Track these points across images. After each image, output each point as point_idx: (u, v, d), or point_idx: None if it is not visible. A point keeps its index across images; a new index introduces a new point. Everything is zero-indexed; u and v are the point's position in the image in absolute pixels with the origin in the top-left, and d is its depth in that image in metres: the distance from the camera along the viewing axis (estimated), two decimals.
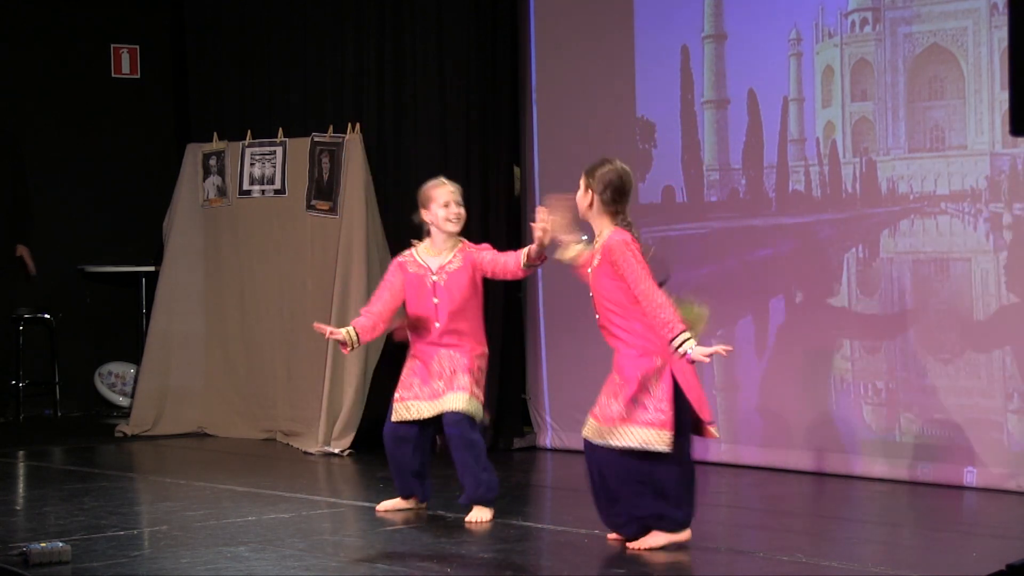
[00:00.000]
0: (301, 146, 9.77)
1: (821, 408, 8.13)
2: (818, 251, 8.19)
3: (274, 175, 9.91)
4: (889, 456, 7.85)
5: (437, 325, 6.84)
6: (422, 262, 6.90)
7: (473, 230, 9.20)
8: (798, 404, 8.24)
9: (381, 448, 9.01)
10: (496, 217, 9.34)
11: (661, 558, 6.00)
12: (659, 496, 6.05)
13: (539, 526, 6.75)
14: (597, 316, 6.20)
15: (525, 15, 9.45)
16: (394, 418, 6.94)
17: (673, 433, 5.98)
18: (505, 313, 9.25)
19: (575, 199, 6.23)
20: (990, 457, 7.50)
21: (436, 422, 6.89)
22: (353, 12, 10.00)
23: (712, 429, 6.15)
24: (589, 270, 6.19)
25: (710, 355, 5.89)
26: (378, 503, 7.23)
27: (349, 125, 9.61)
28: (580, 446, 8.96)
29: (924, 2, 7.76)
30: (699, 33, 8.64)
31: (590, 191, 6.18)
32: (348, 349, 6.91)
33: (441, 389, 6.82)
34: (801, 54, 8.21)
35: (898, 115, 7.86)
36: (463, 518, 6.80)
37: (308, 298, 9.65)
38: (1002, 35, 7.27)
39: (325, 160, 9.62)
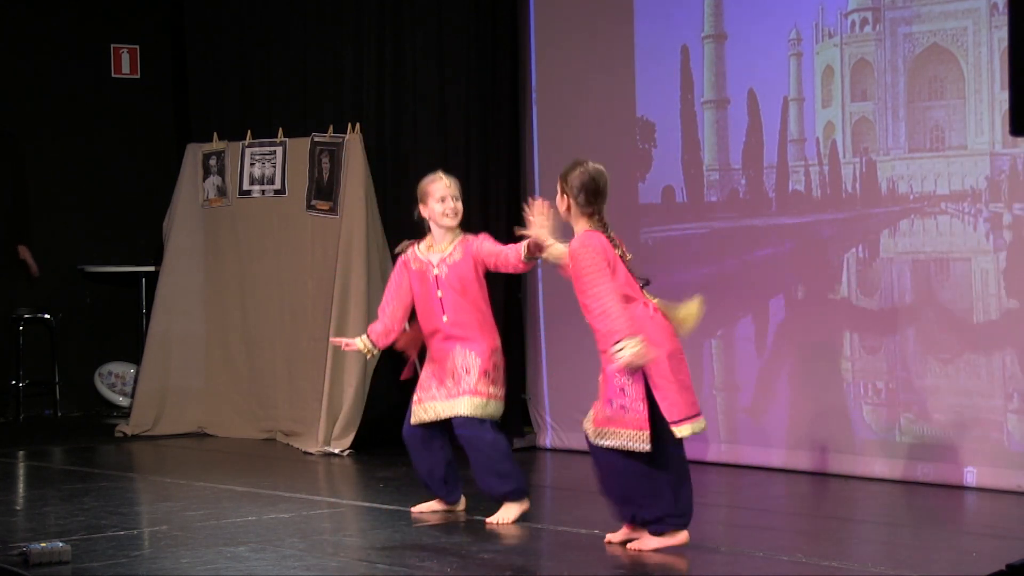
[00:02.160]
0: (301, 146, 9.77)
1: (821, 408, 8.13)
2: (818, 251, 8.19)
3: (274, 175, 9.91)
4: (889, 456, 7.85)
5: (444, 319, 6.82)
6: (423, 258, 6.90)
7: (474, 230, 9.21)
8: (798, 404, 8.24)
9: (381, 448, 9.06)
10: (497, 218, 9.34)
11: (661, 559, 5.99)
12: (652, 496, 6.05)
13: (539, 526, 6.75)
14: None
15: (525, 15, 9.45)
16: (412, 420, 6.88)
17: (650, 432, 5.95)
18: (505, 313, 9.24)
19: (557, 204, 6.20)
20: (990, 457, 7.50)
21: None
22: (353, 12, 10.00)
23: (678, 429, 6.03)
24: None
25: (636, 366, 5.86)
26: (378, 503, 7.22)
27: (349, 125, 9.61)
28: (580, 446, 8.99)
29: (924, 2, 7.76)
30: (699, 33, 8.64)
31: (566, 196, 6.14)
32: (369, 355, 7.09)
33: (453, 389, 6.78)
34: (801, 54, 8.22)
35: (898, 115, 7.87)
36: (464, 517, 6.80)
37: (308, 298, 9.65)
38: (1002, 35, 7.27)
39: (325, 160, 9.62)
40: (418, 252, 6.92)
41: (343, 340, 7.04)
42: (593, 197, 6.12)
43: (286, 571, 5.73)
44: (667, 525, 6.07)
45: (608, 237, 6.09)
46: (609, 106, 9.00)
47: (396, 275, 6.99)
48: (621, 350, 5.85)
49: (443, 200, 6.85)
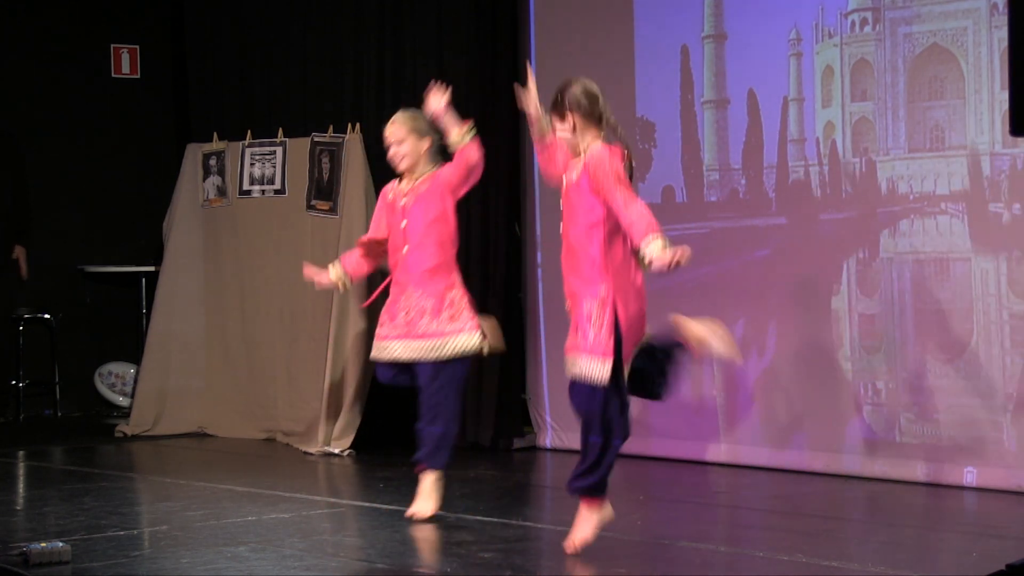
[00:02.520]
0: (301, 146, 9.77)
1: (821, 408, 8.13)
2: (818, 251, 8.19)
3: (274, 175, 9.91)
4: (889, 456, 7.85)
5: (405, 250, 6.83)
6: (398, 189, 6.98)
7: (473, 230, 9.24)
8: (798, 404, 8.24)
9: (381, 448, 9.06)
10: (496, 216, 9.34)
11: (660, 558, 5.99)
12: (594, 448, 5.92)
13: (539, 526, 6.75)
14: (562, 236, 5.93)
15: (525, 15, 9.45)
16: (373, 354, 6.95)
17: (611, 364, 5.76)
18: (505, 313, 9.24)
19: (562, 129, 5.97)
20: (990, 457, 7.50)
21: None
22: (353, 12, 10.00)
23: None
24: (564, 182, 5.96)
25: (671, 262, 5.59)
26: (378, 503, 7.22)
27: (349, 125, 9.61)
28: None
29: (924, 2, 7.76)
30: (699, 33, 8.64)
31: (568, 114, 5.96)
32: (342, 287, 7.10)
33: (404, 330, 6.78)
34: (801, 54, 8.22)
35: (898, 115, 7.87)
36: (463, 518, 6.80)
37: (308, 298, 9.64)
38: (1002, 35, 7.27)
39: (325, 160, 9.61)
40: (397, 184, 7.01)
41: (315, 273, 7.05)
42: (593, 101, 5.98)
43: (286, 571, 5.73)
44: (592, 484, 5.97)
45: (624, 148, 5.93)
46: (609, 106, 8.97)
47: (377, 207, 7.11)
48: (652, 244, 5.63)
49: (388, 147, 6.93)
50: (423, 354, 6.74)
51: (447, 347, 6.74)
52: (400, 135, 6.91)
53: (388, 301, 6.92)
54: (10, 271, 10.75)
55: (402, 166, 6.92)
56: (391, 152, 6.93)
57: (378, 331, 6.93)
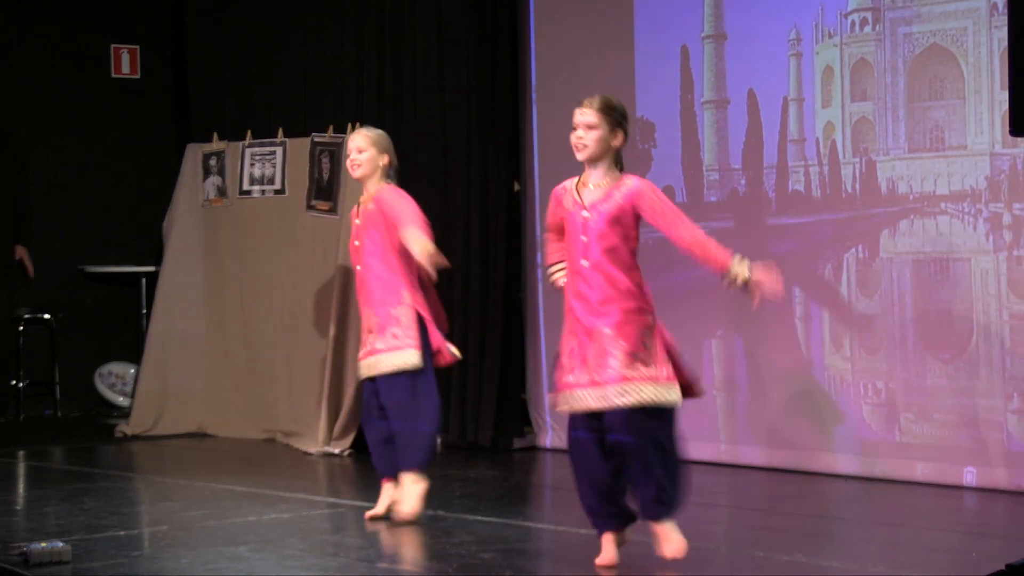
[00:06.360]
0: (301, 146, 9.77)
1: (821, 408, 8.14)
2: (818, 251, 8.19)
3: (274, 175, 9.91)
4: (889, 456, 7.85)
5: (358, 268, 6.81)
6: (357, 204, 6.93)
7: (474, 229, 9.24)
8: (798, 404, 8.24)
9: None
10: (496, 216, 9.34)
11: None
12: (661, 469, 5.79)
13: (539, 526, 6.75)
14: (585, 263, 5.70)
15: (525, 15, 9.45)
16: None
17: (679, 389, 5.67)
18: (505, 313, 9.26)
19: (592, 139, 5.67)
20: (990, 457, 7.51)
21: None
22: (353, 12, 10.01)
23: (698, 388, 5.86)
24: (584, 213, 5.70)
25: (766, 283, 5.55)
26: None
27: (349, 125, 9.61)
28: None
29: (924, 2, 7.76)
30: (699, 33, 8.65)
31: (619, 131, 5.72)
32: None
33: (373, 346, 6.72)
34: (801, 54, 8.22)
35: (898, 115, 7.87)
36: (463, 518, 6.80)
37: (308, 298, 9.65)
38: (1002, 35, 7.28)
39: (325, 160, 9.62)
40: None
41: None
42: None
43: (286, 571, 5.74)
44: (666, 507, 5.85)
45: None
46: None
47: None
48: (740, 265, 5.62)
49: (349, 154, 6.89)
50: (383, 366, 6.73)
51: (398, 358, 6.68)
52: (362, 145, 6.84)
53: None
54: (11, 271, 10.75)
55: (356, 174, 6.84)
56: (350, 159, 6.84)
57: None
